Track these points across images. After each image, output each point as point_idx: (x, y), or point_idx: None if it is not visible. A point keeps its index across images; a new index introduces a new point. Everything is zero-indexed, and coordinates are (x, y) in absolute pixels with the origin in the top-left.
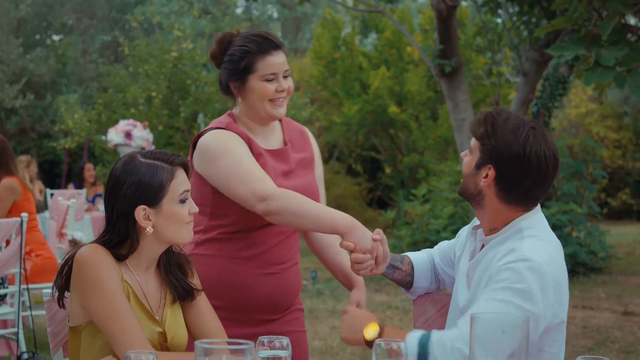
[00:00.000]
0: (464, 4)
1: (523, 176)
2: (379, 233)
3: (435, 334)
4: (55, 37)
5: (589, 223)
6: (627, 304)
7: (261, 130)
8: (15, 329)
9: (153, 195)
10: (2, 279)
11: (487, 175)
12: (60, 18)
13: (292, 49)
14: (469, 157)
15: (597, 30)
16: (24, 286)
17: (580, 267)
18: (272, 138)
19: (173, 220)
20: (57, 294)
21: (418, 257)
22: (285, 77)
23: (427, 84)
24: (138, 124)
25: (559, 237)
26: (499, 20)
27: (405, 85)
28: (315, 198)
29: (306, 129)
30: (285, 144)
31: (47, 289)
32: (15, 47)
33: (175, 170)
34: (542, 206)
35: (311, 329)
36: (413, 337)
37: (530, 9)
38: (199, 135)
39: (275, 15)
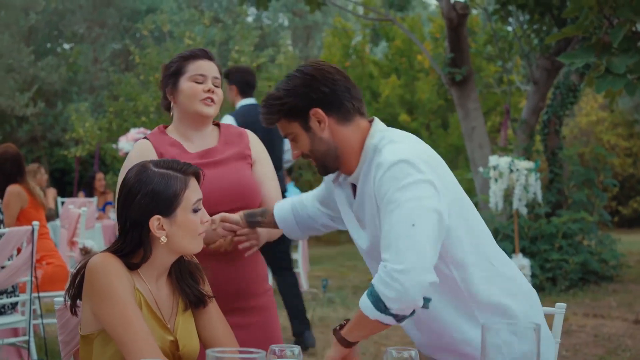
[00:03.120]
0: (474, 12)
1: (340, 92)
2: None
3: (374, 280)
4: (66, 46)
5: (600, 231)
6: (638, 313)
7: (195, 135)
8: (26, 337)
9: (167, 205)
10: (13, 287)
11: (319, 121)
12: (71, 26)
13: (302, 57)
14: (298, 142)
15: (607, 38)
16: (35, 294)
17: (591, 275)
18: (205, 142)
19: (186, 230)
20: (69, 302)
21: (280, 208)
22: (215, 85)
23: (438, 92)
24: (149, 132)
25: (569, 245)
26: (509, 29)
27: (415, 94)
28: (251, 192)
29: (247, 132)
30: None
31: (58, 297)
32: (26, 55)
33: (188, 179)
34: (552, 215)
35: (322, 338)
36: (363, 298)
37: (541, 17)
38: None
39: (286, 23)
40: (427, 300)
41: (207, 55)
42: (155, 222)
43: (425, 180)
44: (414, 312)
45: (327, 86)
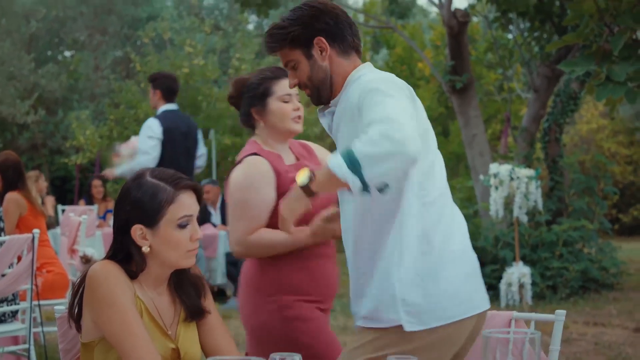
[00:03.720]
0: (475, 19)
1: (343, 25)
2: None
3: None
4: (67, 53)
5: (600, 239)
6: (638, 321)
7: (282, 149)
8: (26, 345)
9: (150, 215)
10: (13, 295)
11: (321, 50)
12: (72, 34)
13: None
14: (297, 70)
15: (608, 46)
16: (35, 302)
17: (592, 283)
18: (288, 154)
19: (170, 244)
20: (73, 312)
21: None
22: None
23: (439, 99)
24: None
25: (570, 253)
26: (510, 36)
27: None
28: (332, 199)
29: (308, 143)
30: (297, 158)
31: (58, 305)
32: (27, 63)
33: (177, 193)
34: (553, 222)
35: None
36: (336, 156)
37: (541, 25)
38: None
39: None
40: (385, 186)
41: (285, 73)
42: (137, 230)
43: (404, 92)
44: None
45: (331, 19)
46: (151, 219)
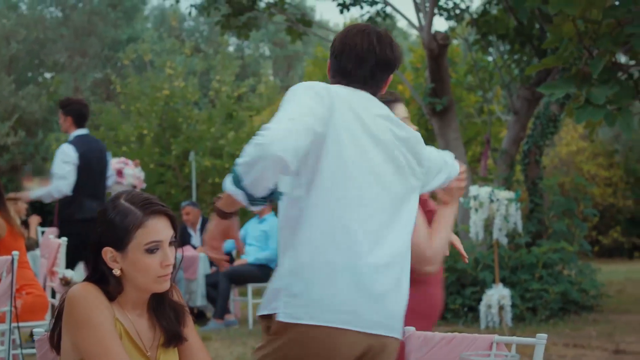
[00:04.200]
0: (455, 42)
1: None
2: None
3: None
4: (47, 75)
5: (580, 261)
6: (618, 343)
7: None
8: None
9: (119, 239)
10: None
11: None
12: (52, 56)
13: (283, 87)
14: None
15: (587, 69)
16: (14, 324)
17: (572, 305)
18: None
19: (139, 269)
20: (54, 334)
21: None
22: None
23: (419, 122)
24: (129, 162)
25: (549, 275)
26: (490, 59)
27: None
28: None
29: None
30: None
31: (38, 327)
32: (7, 84)
33: (146, 218)
34: (533, 245)
35: None
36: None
37: (521, 48)
38: None
39: (267, 53)
40: (277, 194)
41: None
42: (108, 253)
43: (308, 93)
44: (269, 199)
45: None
46: (120, 243)
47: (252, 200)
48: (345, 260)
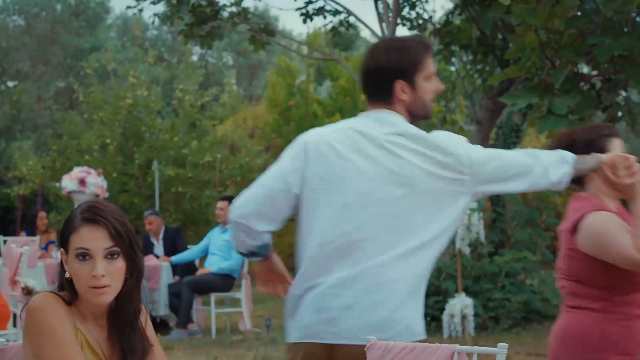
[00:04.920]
0: None
1: None
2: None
3: None
4: (10, 83)
5: (543, 271)
6: None
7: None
8: None
9: (64, 242)
10: None
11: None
12: (15, 64)
13: (247, 96)
14: None
15: (550, 79)
16: None
17: (534, 314)
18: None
19: (73, 275)
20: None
21: None
22: None
23: None
24: (92, 171)
25: (512, 284)
26: (452, 69)
27: None
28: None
29: None
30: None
31: None
32: None
33: (81, 224)
34: (495, 254)
35: None
36: None
37: (483, 58)
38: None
39: (230, 62)
40: (263, 248)
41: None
42: (63, 255)
43: (288, 153)
44: (258, 254)
45: None
46: (65, 245)
47: (246, 255)
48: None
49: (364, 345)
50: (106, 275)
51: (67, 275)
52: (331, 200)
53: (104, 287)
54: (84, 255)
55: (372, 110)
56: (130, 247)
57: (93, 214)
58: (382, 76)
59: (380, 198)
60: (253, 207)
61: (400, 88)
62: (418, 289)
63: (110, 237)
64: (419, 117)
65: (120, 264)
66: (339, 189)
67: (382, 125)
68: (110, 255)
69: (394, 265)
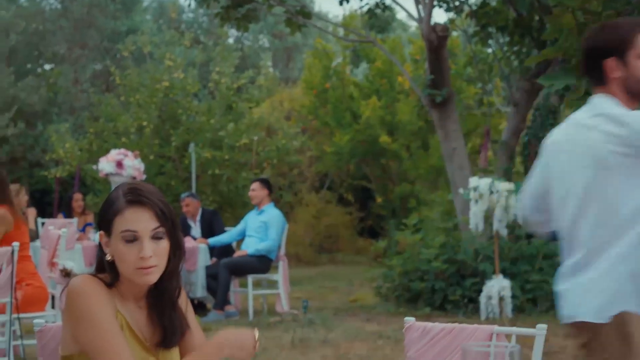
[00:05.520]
0: (454, 34)
1: None
2: None
3: None
4: (47, 66)
5: None
6: None
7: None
8: (6, 359)
9: (105, 224)
10: None
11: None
12: (51, 47)
13: (283, 79)
14: None
15: None
16: (14, 315)
17: None
18: None
19: (120, 257)
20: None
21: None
22: None
23: (418, 113)
24: (129, 153)
25: (550, 266)
26: (489, 50)
27: (396, 115)
28: None
29: None
30: None
31: (38, 318)
32: (7, 76)
33: (126, 207)
34: (533, 236)
35: (303, 359)
36: None
37: (520, 39)
38: None
39: (266, 45)
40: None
41: None
42: (102, 237)
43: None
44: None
45: None
46: (107, 228)
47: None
48: None
49: None
50: (153, 256)
51: (108, 257)
52: None
53: (150, 267)
54: (131, 238)
55: (593, 95)
56: (173, 227)
57: (137, 195)
58: (594, 56)
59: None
60: (526, 201)
61: (611, 66)
62: None
63: (156, 217)
64: (636, 94)
65: (165, 244)
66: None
67: (589, 109)
68: (156, 236)
69: None
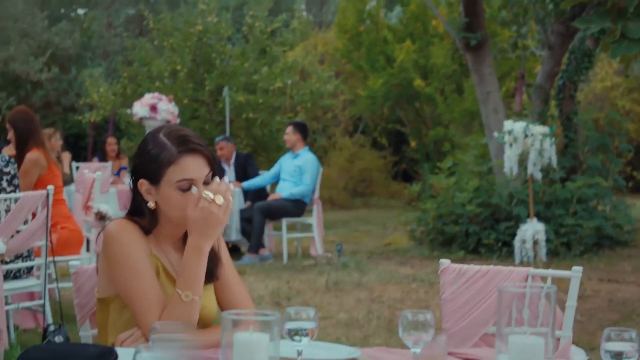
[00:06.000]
0: None
1: None
2: None
3: None
4: (80, 11)
5: (615, 197)
6: None
7: None
8: (41, 301)
9: (153, 173)
10: (28, 251)
11: None
12: None
13: (317, 22)
14: None
15: (623, 3)
16: (50, 258)
17: (606, 240)
18: None
19: (171, 205)
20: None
21: None
22: None
23: (453, 57)
24: (163, 97)
25: (584, 210)
26: None
27: (430, 59)
28: None
29: None
30: None
31: (73, 260)
32: (40, 21)
33: (179, 156)
34: (567, 180)
35: (336, 302)
36: None
37: None
38: None
39: None
40: None
41: None
42: (143, 185)
43: None
44: None
45: None
46: (154, 177)
47: None
48: None
49: None
50: None
51: (151, 205)
52: None
53: None
54: (187, 186)
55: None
56: (217, 169)
57: (189, 143)
58: None
59: None
60: None
61: None
62: None
63: (207, 163)
64: None
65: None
66: None
67: None
68: (207, 181)
69: None
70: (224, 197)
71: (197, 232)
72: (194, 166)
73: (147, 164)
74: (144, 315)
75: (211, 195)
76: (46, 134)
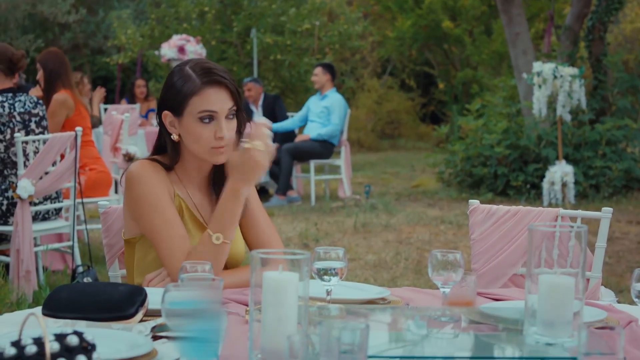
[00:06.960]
0: None
1: None
2: None
3: None
4: None
5: None
6: None
7: None
8: (70, 243)
9: (176, 104)
10: (57, 193)
11: None
12: None
13: None
14: None
15: None
16: (78, 200)
17: (635, 182)
18: None
19: (193, 137)
20: None
21: None
22: None
23: None
24: (191, 38)
25: (613, 152)
26: None
27: (459, 0)
28: None
29: None
30: None
31: (101, 201)
32: None
33: (203, 87)
34: (596, 121)
35: (365, 243)
36: None
37: None
38: None
39: None
40: None
41: None
42: (167, 117)
43: None
44: None
45: None
46: (177, 108)
47: None
48: None
49: None
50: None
51: (174, 137)
52: None
53: (224, 147)
54: (209, 118)
55: None
56: (241, 105)
57: (214, 74)
58: None
59: None
60: None
61: None
62: None
63: (231, 97)
64: None
65: (235, 124)
66: None
67: None
68: (230, 115)
69: None
70: (264, 142)
71: (236, 176)
72: (216, 98)
73: (172, 95)
74: (168, 252)
75: (253, 143)
76: (74, 79)
